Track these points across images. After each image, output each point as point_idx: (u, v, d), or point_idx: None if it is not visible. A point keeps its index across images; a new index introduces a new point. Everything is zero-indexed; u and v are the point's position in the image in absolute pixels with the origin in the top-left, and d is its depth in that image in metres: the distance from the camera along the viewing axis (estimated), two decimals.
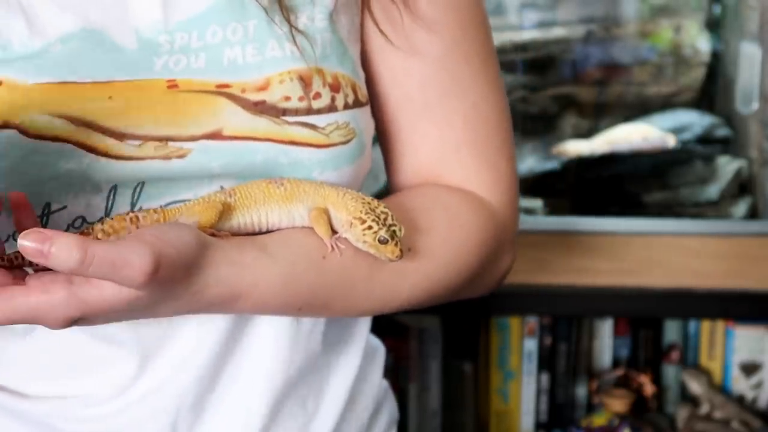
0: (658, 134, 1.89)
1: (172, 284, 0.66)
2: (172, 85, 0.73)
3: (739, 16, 1.92)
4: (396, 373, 1.76)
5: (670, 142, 1.88)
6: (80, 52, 0.72)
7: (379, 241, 0.71)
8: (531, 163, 1.90)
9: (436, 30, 0.82)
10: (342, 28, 0.79)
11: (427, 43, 0.82)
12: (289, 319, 0.80)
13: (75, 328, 0.66)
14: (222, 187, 0.74)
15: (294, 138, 0.75)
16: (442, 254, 0.80)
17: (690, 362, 1.80)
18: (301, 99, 0.75)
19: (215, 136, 0.74)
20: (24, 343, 0.77)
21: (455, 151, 0.84)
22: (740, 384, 1.78)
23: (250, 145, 0.74)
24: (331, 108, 0.76)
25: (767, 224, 1.73)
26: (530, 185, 1.85)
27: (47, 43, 0.71)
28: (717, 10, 2.00)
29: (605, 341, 1.81)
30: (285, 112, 0.75)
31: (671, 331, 1.80)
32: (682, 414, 1.75)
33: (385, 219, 0.72)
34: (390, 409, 0.96)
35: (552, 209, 1.82)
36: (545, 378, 1.80)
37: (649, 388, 1.78)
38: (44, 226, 0.71)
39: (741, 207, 1.82)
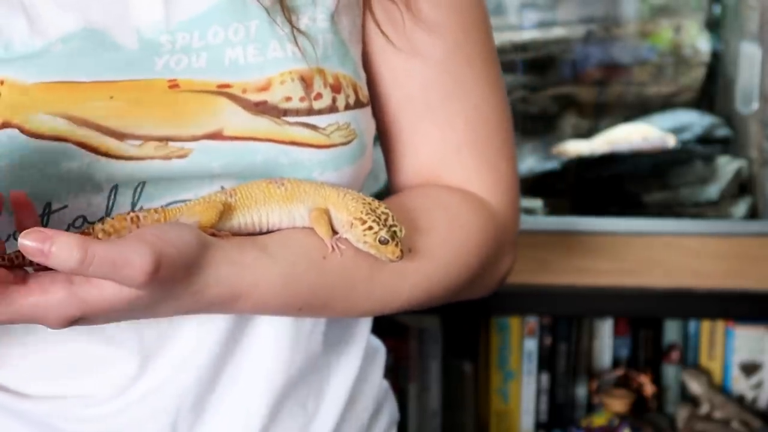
0: (658, 134, 1.89)
1: (172, 284, 0.66)
2: (173, 85, 0.73)
3: (739, 16, 1.92)
4: (396, 373, 1.76)
5: (670, 142, 1.88)
6: (81, 51, 0.72)
7: (380, 241, 0.71)
8: (531, 163, 1.90)
9: (438, 32, 0.82)
10: (343, 29, 0.79)
11: (429, 45, 0.82)
12: (289, 320, 0.80)
13: (75, 329, 0.66)
14: (222, 187, 0.74)
15: (295, 138, 0.75)
16: (442, 255, 0.80)
17: (690, 362, 1.80)
18: (302, 99, 0.75)
19: (216, 136, 0.74)
20: (25, 343, 0.77)
21: (456, 152, 0.84)
22: (740, 384, 1.78)
23: (250, 146, 0.74)
24: (332, 108, 0.76)
25: (767, 224, 1.73)
26: (530, 185, 1.85)
27: (48, 42, 0.71)
28: (717, 10, 2.00)
29: (605, 341, 1.81)
30: (286, 112, 0.75)
31: (671, 331, 1.80)
32: (682, 414, 1.75)
33: (386, 219, 0.72)
34: (390, 410, 0.96)
35: (552, 209, 1.82)
36: (545, 378, 1.80)
37: (649, 388, 1.78)
38: (45, 225, 0.71)
39: (741, 207, 1.82)
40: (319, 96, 0.76)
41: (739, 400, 1.77)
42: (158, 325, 0.77)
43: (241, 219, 0.72)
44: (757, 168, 1.83)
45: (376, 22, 0.81)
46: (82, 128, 0.71)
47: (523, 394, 1.80)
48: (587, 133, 1.96)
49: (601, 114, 1.99)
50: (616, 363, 1.81)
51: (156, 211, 0.70)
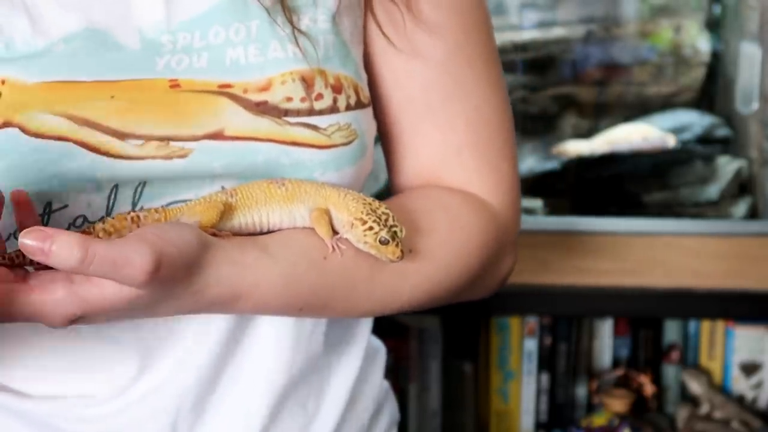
0: (658, 134, 1.89)
1: (172, 283, 0.66)
2: (174, 85, 0.73)
3: (739, 16, 1.92)
4: (396, 374, 1.76)
5: (670, 142, 1.88)
6: (83, 51, 0.72)
7: (380, 241, 0.71)
8: (531, 163, 1.90)
9: (439, 33, 0.82)
10: (345, 30, 0.79)
11: (430, 46, 0.82)
12: (290, 320, 0.80)
13: (76, 329, 0.66)
14: (223, 187, 0.74)
15: (296, 139, 0.75)
16: (443, 256, 0.80)
17: (690, 362, 1.80)
18: (303, 100, 0.75)
19: (217, 136, 0.74)
20: (25, 343, 0.77)
21: (457, 153, 0.84)
22: (740, 384, 1.78)
23: (251, 146, 0.74)
24: (333, 109, 0.76)
25: (767, 224, 1.73)
26: (530, 185, 1.85)
27: (50, 42, 0.71)
28: (717, 10, 2.00)
29: (605, 341, 1.81)
30: (287, 112, 0.75)
31: (671, 331, 1.80)
32: (682, 414, 1.75)
33: (386, 220, 0.72)
34: (390, 410, 0.96)
35: (552, 209, 1.82)
36: (545, 378, 1.80)
37: (649, 388, 1.78)
38: (45, 224, 0.71)
39: (741, 207, 1.82)
40: (320, 96, 0.76)
41: (739, 400, 1.77)
42: (158, 325, 0.77)
43: (241, 219, 0.72)
44: (757, 168, 1.83)
45: (378, 23, 0.81)
46: (83, 128, 0.71)
47: (523, 394, 1.80)
48: (587, 133, 1.96)
49: (601, 114, 1.99)
50: (616, 363, 1.81)
51: (157, 210, 0.70)
